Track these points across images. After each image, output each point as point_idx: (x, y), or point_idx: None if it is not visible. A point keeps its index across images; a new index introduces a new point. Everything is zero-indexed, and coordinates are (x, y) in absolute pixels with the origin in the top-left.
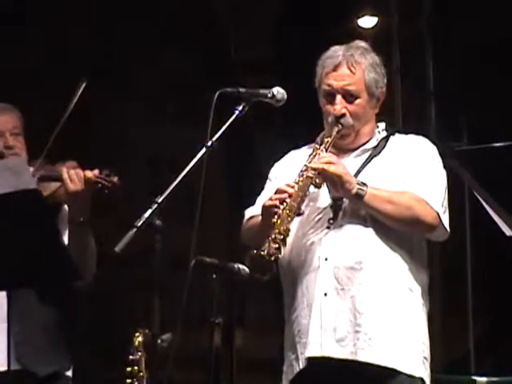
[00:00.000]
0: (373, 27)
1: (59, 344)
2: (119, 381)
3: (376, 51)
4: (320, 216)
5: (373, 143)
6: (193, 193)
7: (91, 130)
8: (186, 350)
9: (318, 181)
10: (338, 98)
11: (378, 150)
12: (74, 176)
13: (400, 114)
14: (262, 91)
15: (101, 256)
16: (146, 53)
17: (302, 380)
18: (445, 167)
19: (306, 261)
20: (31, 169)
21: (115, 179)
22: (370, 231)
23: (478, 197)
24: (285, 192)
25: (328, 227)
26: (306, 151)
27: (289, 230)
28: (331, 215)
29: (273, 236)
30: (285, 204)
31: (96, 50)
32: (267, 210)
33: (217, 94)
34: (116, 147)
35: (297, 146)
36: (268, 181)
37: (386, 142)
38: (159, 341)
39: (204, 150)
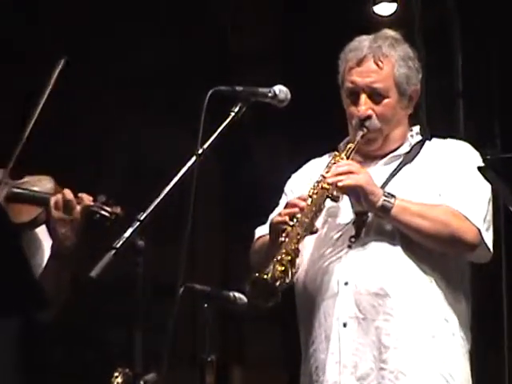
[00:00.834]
0: (391, 15)
1: None
2: None
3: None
4: (340, 233)
5: (404, 149)
6: (181, 208)
7: (63, 132)
8: None
9: (335, 193)
10: (363, 97)
11: (410, 156)
12: (61, 203)
13: (424, 116)
14: (261, 90)
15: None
16: (125, 41)
17: None
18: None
19: (323, 286)
20: None
21: (118, 210)
22: (399, 250)
23: None
24: (295, 206)
25: (349, 246)
26: (327, 160)
27: (298, 251)
28: (353, 232)
29: (279, 257)
30: (295, 220)
31: (73, 38)
32: (275, 227)
33: (209, 92)
34: (91, 152)
35: (316, 154)
36: (283, 195)
37: (421, 147)
38: (142, 382)
39: (194, 158)
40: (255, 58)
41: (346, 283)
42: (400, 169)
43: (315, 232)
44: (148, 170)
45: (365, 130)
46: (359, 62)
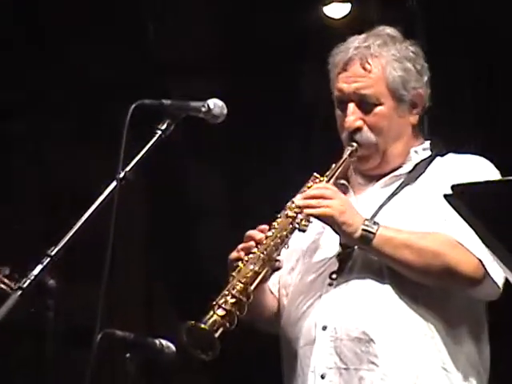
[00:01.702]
0: (344, 17)
1: None
2: None
3: None
4: (323, 269)
5: (407, 168)
6: (100, 242)
7: None
8: None
9: (304, 222)
10: (351, 106)
11: (413, 176)
12: None
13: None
14: (193, 104)
15: None
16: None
17: None
18: None
19: (301, 330)
20: None
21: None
22: (387, 289)
23: (487, 247)
24: (252, 239)
25: (330, 284)
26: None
27: (249, 292)
28: (336, 267)
29: (220, 300)
30: (250, 256)
31: None
32: (231, 265)
33: (132, 106)
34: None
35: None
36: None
37: (428, 165)
38: None
39: (115, 183)
40: (188, 69)
41: (325, 328)
42: (398, 191)
43: (277, 269)
44: (59, 197)
45: (354, 145)
46: (345, 66)
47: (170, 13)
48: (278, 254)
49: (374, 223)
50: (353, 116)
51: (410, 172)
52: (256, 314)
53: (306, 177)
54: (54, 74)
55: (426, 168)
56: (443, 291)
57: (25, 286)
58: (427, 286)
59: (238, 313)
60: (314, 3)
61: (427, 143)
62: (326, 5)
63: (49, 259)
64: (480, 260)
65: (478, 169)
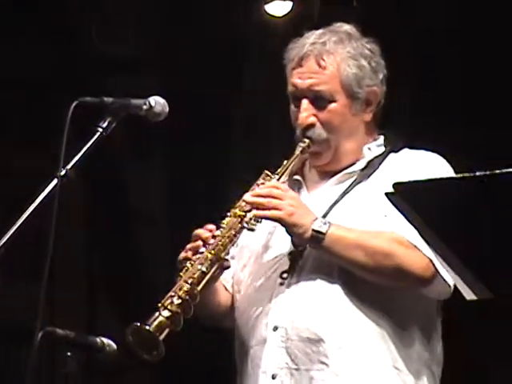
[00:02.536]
0: (286, 14)
1: None
2: None
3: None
4: (275, 267)
5: (360, 165)
6: (40, 240)
7: None
8: None
9: (252, 221)
10: (305, 102)
11: (366, 173)
12: None
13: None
14: (134, 101)
15: None
16: None
17: None
18: None
19: (253, 331)
20: None
21: None
22: (337, 289)
23: (430, 247)
24: (199, 238)
25: (281, 283)
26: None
27: (195, 292)
28: (287, 267)
29: (166, 302)
30: (198, 256)
31: None
32: (180, 265)
33: (73, 104)
34: None
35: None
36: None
37: (381, 161)
38: None
39: (56, 181)
40: (129, 66)
41: (276, 328)
42: (350, 189)
43: (226, 268)
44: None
45: (306, 141)
46: (300, 61)
47: (109, 10)
48: (227, 254)
49: (325, 223)
50: (306, 112)
51: (363, 169)
52: (209, 312)
53: (256, 175)
54: None
55: (380, 165)
56: (393, 291)
57: None
58: (378, 286)
59: (183, 314)
60: (256, 1)
61: (381, 139)
62: (267, 2)
63: None
64: (430, 259)
65: (431, 165)
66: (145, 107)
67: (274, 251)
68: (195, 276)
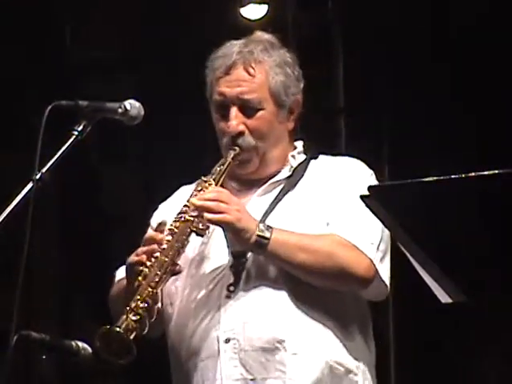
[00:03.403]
0: (261, 18)
1: None
2: None
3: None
4: (217, 280)
5: (285, 173)
6: (15, 244)
7: None
8: None
9: (201, 226)
10: (234, 110)
11: (292, 182)
12: None
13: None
14: (109, 105)
15: None
16: None
17: None
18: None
19: (202, 345)
20: None
21: None
22: (283, 296)
23: (405, 251)
24: (154, 242)
25: (228, 296)
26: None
27: (156, 296)
28: (232, 279)
29: (132, 305)
30: (153, 260)
31: None
32: (131, 269)
33: (49, 107)
34: None
35: (187, 181)
36: (149, 229)
37: (305, 169)
38: None
39: (31, 184)
40: (104, 69)
41: (227, 340)
42: (281, 198)
43: (178, 272)
44: None
45: (236, 149)
46: (228, 70)
47: (83, 14)
48: (179, 259)
49: (267, 228)
50: (235, 120)
51: (289, 177)
52: None
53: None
54: None
55: (304, 172)
56: (335, 294)
57: None
58: (323, 290)
59: (148, 316)
60: (231, 4)
61: (300, 145)
62: (242, 6)
63: None
64: (371, 260)
65: (356, 172)
66: (120, 110)
67: (212, 263)
68: (155, 280)
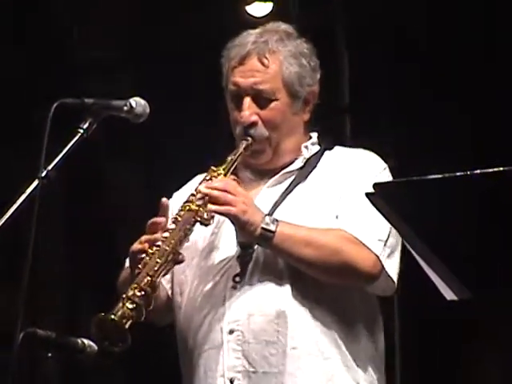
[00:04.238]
0: (266, 15)
1: None
2: None
3: None
4: (224, 270)
5: (298, 164)
6: (20, 242)
7: None
8: None
9: (206, 216)
10: (247, 100)
11: (304, 172)
12: None
13: None
14: (115, 103)
15: None
16: None
17: None
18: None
19: (205, 334)
20: None
21: None
22: (287, 290)
23: (410, 248)
24: (156, 226)
25: (233, 287)
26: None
27: (155, 284)
28: (238, 270)
29: (129, 293)
30: (155, 248)
31: None
32: (134, 257)
33: (54, 105)
34: None
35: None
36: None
37: (318, 160)
38: None
39: (37, 182)
40: (109, 68)
41: (231, 331)
42: (292, 189)
43: (181, 261)
44: None
45: (249, 139)
46: (242, 60)
47: (86, 12)
48: (181, 248)
49: (273, 221)
50: (248, 110)
51: (301, 168)
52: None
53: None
54: None
55: (317, 163)
56: (342, 290)
57: None
58: (327, 286)
59: (145, 304)
60: (236, 1)
61: (315, 137)
62: (248, 4)
63: None
64: (377, 256)
65: (369, 165)
66: (125, 108)
67: (220, 254)
68: (155, 269)
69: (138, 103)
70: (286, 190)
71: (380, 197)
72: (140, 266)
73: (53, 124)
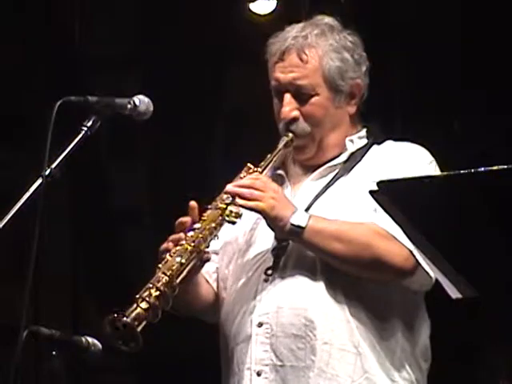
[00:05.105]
0: (271, 13)
1: None
2: None
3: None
4: (259, 263)
5: (342, 158)
6: (24, 240)
7: None
8: None
9: (233, 214)
10: (287, 96)
11: (348, 166)
12: None
13: None
14: (118, 101)
15: None
16: None
17: None
18: None
19: (239, 329)
20: None
21: None
22: (319, 284)
23: (415, 246)
24: (183, 226)
25: (265, 280)
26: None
27: (174, 284)
28: (271, 263)
29: (144, 293)
30: (178, 248)
31: None
32: (160, 256)
33: (58, 103)
34: None
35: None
36: None
37: (364, 154)
38: None
39: (40, 180)
40: (112, 65)
41: (260, 324)
42: (333, 182)
43: (206, 260)
44: None
45: (290, 135)
46: (282, 56)
47: (92, 9)
48: (207, 246)
49: (304, 216)
50: (288, 106)
51: (345, 162)
52: (189, 304)
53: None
54: None
55: (362, 157)
56: (378, 286)
57: None
58: (362, 282)
59: (161, 306)
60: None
61: (363, 131)
62: (252, 1)
63: None
64: (411, 251)
65: (414, 158)
66: (129, 106)
67: (257, 248)
68: (173, 268)
69: (141, 101)
70: (328, 183)
71: (383, 194)
72: (160, 265)
73: (56, 122)
